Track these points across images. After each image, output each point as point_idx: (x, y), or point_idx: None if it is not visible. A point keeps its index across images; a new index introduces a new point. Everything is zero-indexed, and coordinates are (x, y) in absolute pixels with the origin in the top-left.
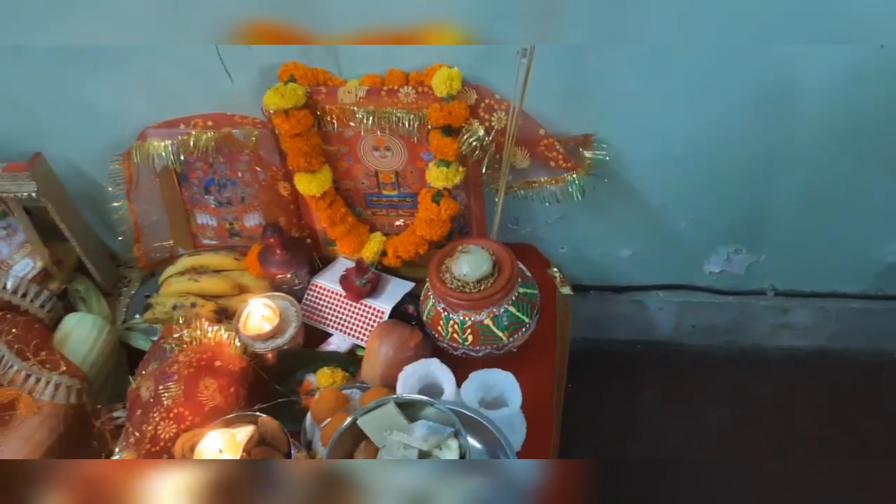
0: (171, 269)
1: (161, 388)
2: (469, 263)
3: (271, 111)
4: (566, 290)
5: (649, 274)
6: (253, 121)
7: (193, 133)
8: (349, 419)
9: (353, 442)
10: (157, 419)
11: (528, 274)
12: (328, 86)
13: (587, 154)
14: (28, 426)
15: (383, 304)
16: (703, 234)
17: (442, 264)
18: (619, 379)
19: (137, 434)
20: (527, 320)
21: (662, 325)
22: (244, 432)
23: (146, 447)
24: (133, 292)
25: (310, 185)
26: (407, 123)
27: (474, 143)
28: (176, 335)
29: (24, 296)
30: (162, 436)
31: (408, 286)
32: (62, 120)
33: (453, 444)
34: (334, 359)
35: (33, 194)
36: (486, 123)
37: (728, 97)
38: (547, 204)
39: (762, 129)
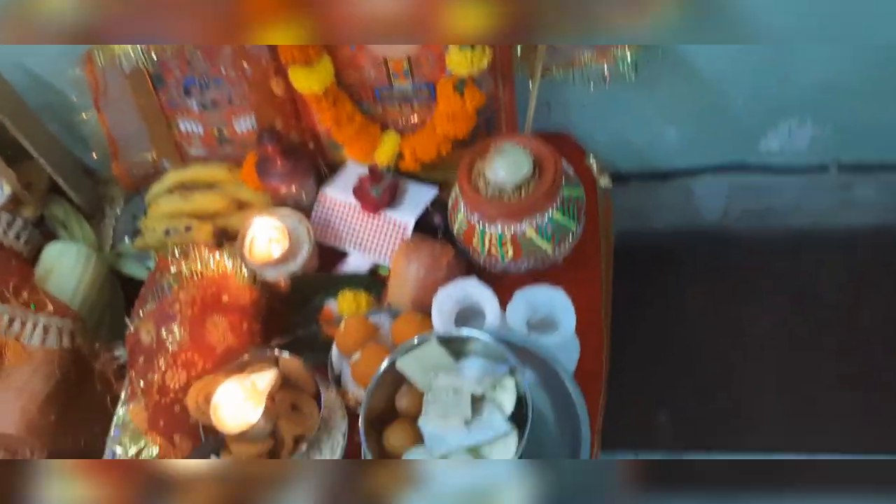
0: (157, 187)
1: (163, 331)
2: (506, 166)
3: None
4: (605, 182)
5: (698, 156)
6: None
7: None
8: (387, 361)
9: (394, 386)
10: (163, 367)
11: (572, 172)
12: None
13: None
14: (20, 375)
15: (405, 217)
16: (763, 107)
17: (473, 168)
18: (662, 273)
19: (143, 384)
20: (573, 227)
21: (710, 212)
22: (265, 379)
23: (155, 399)
24: (119, 212)
25: (308, 80)
26: None
27: None
28: (174, 270)
29: None
30: (171, 385)
31: (431, 193)
32: None
33: (509, 383)
34: (355, 281)
35: None
36: None
37: None
38: (591, 86)
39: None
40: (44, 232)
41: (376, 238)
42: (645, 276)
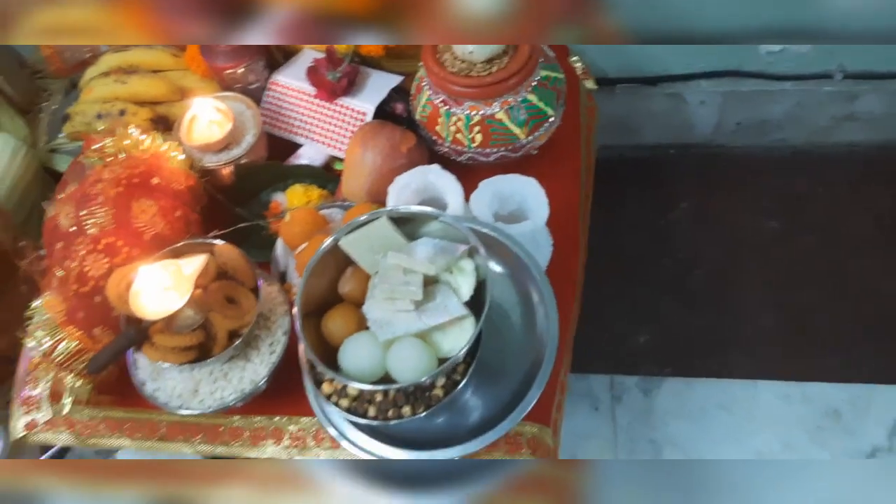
0: (92, 71)
1: (83, 213)
2: None
3: None
4: (590, 85)
5: (692, 57)
6: None
7: None
8: (330, 239)
9: (338, 268)
10: (82, 253)
11: (552, 54)
12: None
13: None
14: None
15: (364, 104)
16: None
17: (441, 50)
18: (648, 188)
19: (61, 272)
20: (550, 113)
21: (702, 124)
22: (194, 263)
23: (73, 288)
24: (55, 108)
25: None
26: None
27: None
28: (97, 146)
29: None
30: (90, 273)
31: (395, 80)
32: None
33: (468, 265)
34: (307, 174)
35: None
36: None
37: None
38: None
39: None
40: None
41: (332, 128)
42: (630, 191)
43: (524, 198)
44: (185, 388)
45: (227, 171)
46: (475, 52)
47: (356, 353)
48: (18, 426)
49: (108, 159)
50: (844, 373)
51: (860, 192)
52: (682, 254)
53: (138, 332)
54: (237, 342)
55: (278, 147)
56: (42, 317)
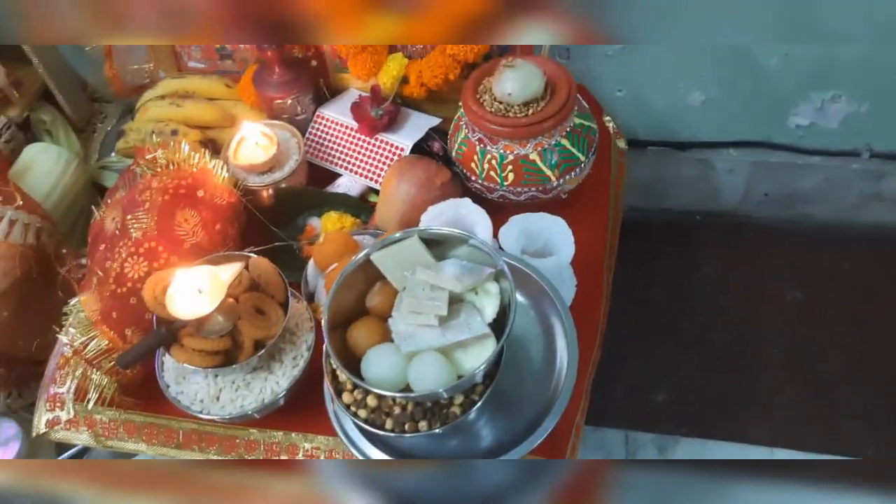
0: (150, 94)
1: (129, 217)
2: (515, 79)
3: None
4: (621, 144)
5: (722, 126)
6: None
7: None
8: (362, 255)
9: (367, 283)
10: (123, 255)
11: (585, 104)
12: None
13: None
14: None
15: (403, 140)
16: (796, 73)
17: (480, 84)
18: (675, 251)
19: (101, 273)
20: (582, 158)
21: (729, 192)
22: (229, 270)
23: (110, 288)
24: (109, 128)
25: None
26: None
27: None
28: (149, 156)
29: None
30: (130, 275)
31: (433, 121)
32: None
33: (493, 288)
34: (343, 202)
35: None
36: None
37: None
38: None
39: None
40: (28, 138)
41: (370, 161)
42: (656, 250)
43: (551, 236)
44: (207, 393)
45: (267, 192)
46: (513, 93)
47: (379, 363)
48: (41, 423)
49: (158, 169)
50: (864, 444)
51: (887, 272)
52: (705, 316)
53: (169, 333)
54: (262, 352)
55: (318, 175)
56: (78, 315)
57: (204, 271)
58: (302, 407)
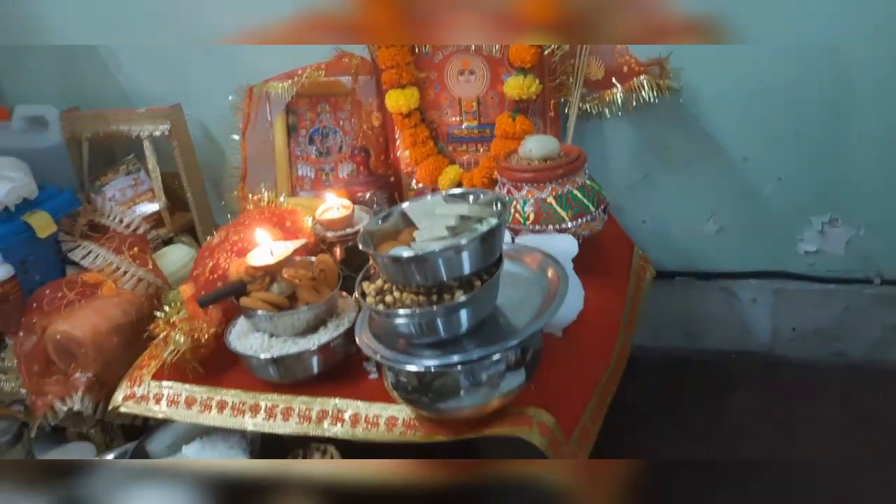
0: None
1: (230, 233)
2: (536, 141)
3: None
4: (650, 272)
5: (738, 257)
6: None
7: (308, 70)
8: (397, 206)
9: (396, 232)
10: (219, 254)
11: (596, 180)
12: None
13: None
14: (106, 304)
15: None
16: (792, 199)
17: (510, 156)
18: (711, 389)
19: (199, 269)
20: (592, 209)
21: (759, 328)
22: (297, 242)
23: (205, 276)
24: None
25: (398, 100)
26: None
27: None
28: (255, 197)
29: (135, 230)
30: (222, 264)
31: None
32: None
33: (494, 221)
34: None
35: (166, 132)
36: None
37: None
38: (619, 115)
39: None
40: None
41: None
42: (687, 388)
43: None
44: (261, 346)
45: (339, 248)
46: (534, 149)
47: (396, 249)
48: (119, 398)
49: (261, 206)
50: None
51: None
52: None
53: (242, 285)
54: (305, 306)
55: None
56: (177, 301)
57: (278, 242)
58: (340, 378)
